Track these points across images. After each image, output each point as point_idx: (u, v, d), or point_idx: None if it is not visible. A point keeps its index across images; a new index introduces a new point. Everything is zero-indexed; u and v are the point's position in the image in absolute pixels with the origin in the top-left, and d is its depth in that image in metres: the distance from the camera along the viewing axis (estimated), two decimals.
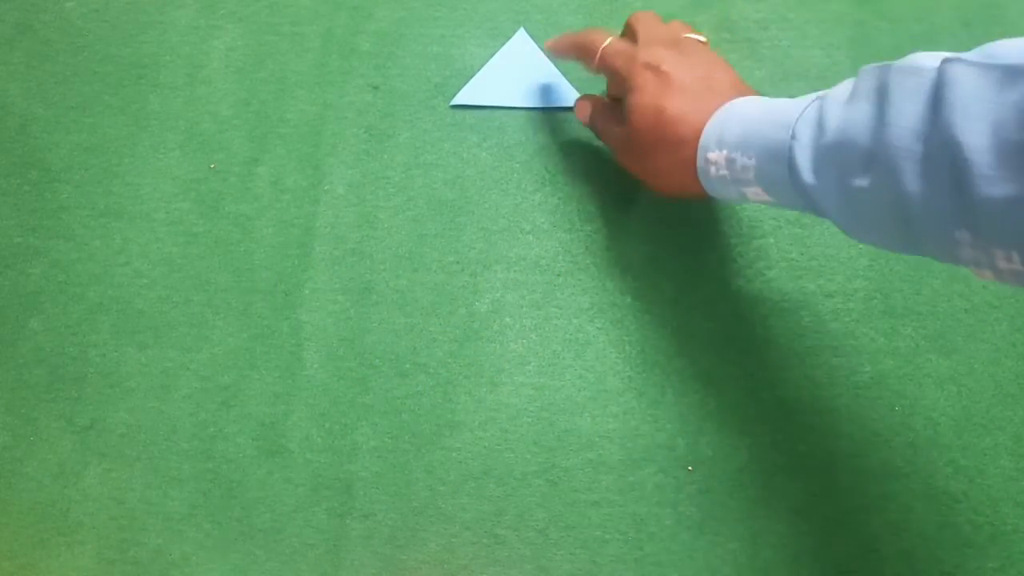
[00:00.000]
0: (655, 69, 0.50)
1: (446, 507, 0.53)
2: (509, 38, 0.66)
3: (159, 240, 0.60)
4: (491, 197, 0.61)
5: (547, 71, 0.65)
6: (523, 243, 0.60)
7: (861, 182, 0.38)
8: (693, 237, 0.60)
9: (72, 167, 0.63)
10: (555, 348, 0.56)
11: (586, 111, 0.58)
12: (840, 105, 0.41)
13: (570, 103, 0.64)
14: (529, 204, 0.61)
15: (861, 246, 0.59)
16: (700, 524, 0.52)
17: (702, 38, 0.54)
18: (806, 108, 0.42)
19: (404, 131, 0.63)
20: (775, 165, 0.43)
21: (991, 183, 0.31)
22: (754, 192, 0.46)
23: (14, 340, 0.57)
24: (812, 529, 0.52)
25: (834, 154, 0.39)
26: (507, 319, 0.57)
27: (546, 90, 0.64)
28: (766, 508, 0.52)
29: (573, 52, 0.57)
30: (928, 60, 0.35)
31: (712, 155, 0.47)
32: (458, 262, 0.59)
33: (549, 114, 0.64)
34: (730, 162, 0.46)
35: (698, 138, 0.48)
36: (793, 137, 0.41)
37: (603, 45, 0.53)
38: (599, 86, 0.66)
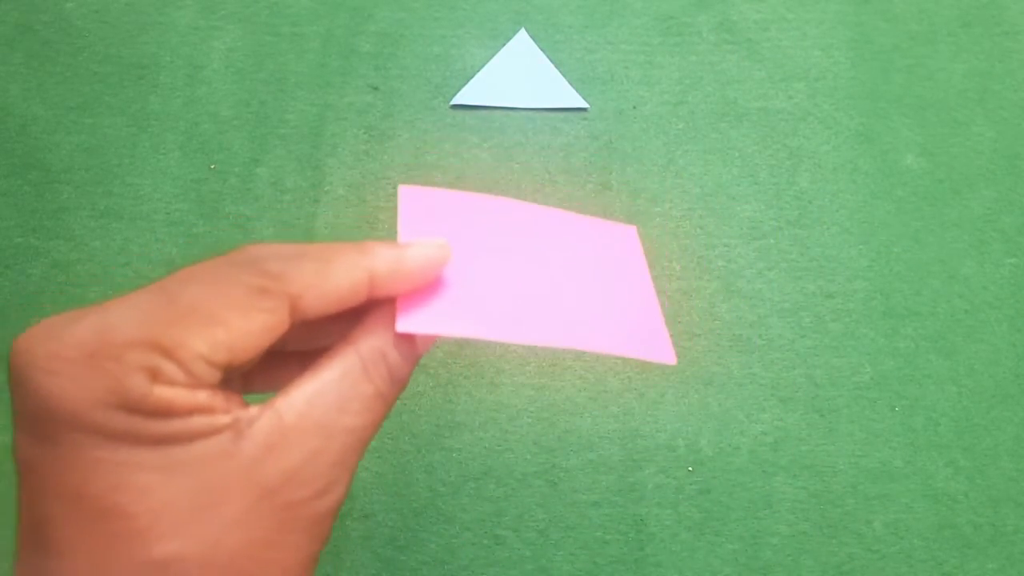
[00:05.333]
0: None
1: (446, 508, 0.53)
2: (509, 39, 0.66)
3: (159, 241, 0.60)
4: None
5: (547, 71, 0.65)
6: None
7: None
8: (694, 237, 0.60)
9: (72, 167, 0.63)
10: (555, 348, 0.56)
11: None
12: None
13: (570, 103, 0.64)
14: None
15: (862, 246, 0.59)
16: (700, 524, 0.52)
17: None
18: None
19: (404, 131, 0.63)
20: None
21: None
22: None
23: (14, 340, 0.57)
24: (812, 529, 0.51)
25: None
26: None
27: (546, 90, 0.64)
28: (766, 508, 0.52)
29: None
30: None
31: None
32: None
33: (549, 114, 0.64)
34: None
35: None
36: None
37: None
38: (600, 87, 0.66)
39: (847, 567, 0.51)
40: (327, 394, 0.20)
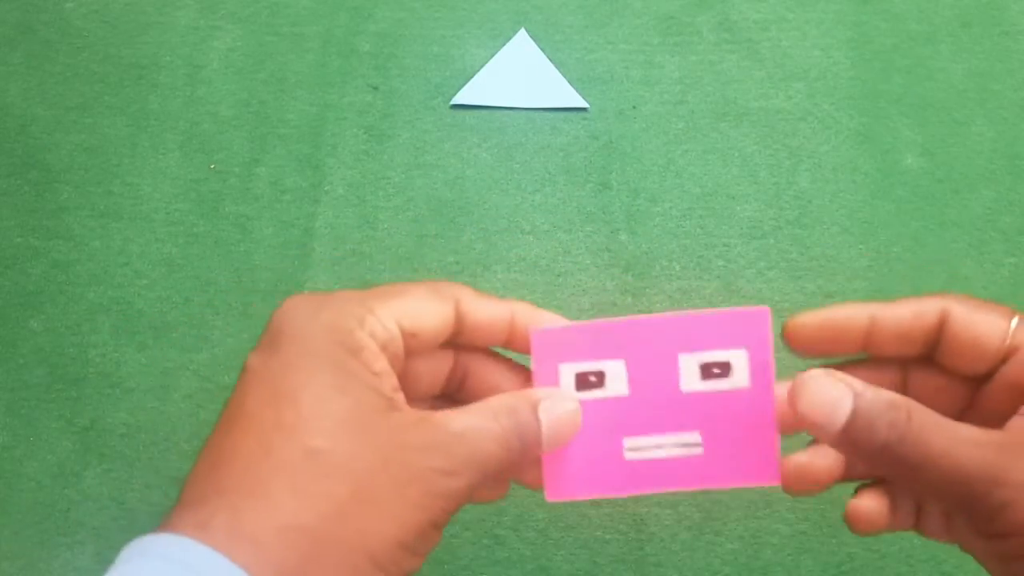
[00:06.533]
0: None
1: None
2: (509, 38, 0.66)
3: (159, 240, 0.60)
4: (491, 197, 0.61)
5: (547, 71, 0.65)
6: (523, 243, 0.60)
7: None
8: (694, 237, 0.60)
9: (72, 167, 0.63)
10: None
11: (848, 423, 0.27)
12: None
13: (570, 103, 0.64)
14: (529, 204, 0.61)
15: (862, 246, 0.59)
16: (700, 524, 0.52)
17: None
18: None
19: (404, 131, 0.63)
20: None
21: None
22: None
23: (14, 340, 0.57)
24: (812, 529, 0.51)
25: None
26: None
27: (546, 90, 0.64)
28: (766, 508, 0.52)
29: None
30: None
31: None
32: (458, 263, 0.59)
33: (549, 114, 0.64)
34: None
35: None
36: None
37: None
38: (600, 87, 0.65)
39: (847, 567, 0.51)
40: (468, 416, 0.26)
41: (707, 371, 0.30)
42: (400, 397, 0.26)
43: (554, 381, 0.30)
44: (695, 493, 0.52)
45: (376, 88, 0.65)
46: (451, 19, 0.67)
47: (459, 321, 0.28)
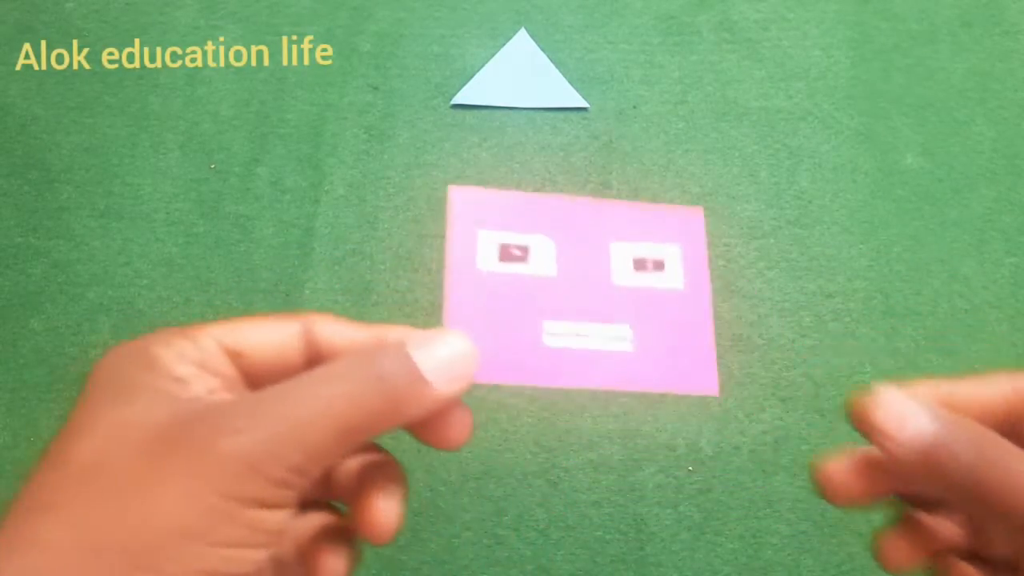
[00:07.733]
0: None
1: (446, 507, 0.53)
2: (509, 38, 0.66)
3: (159, 240, 0.60)
4: None
5: (547, 71, 0.65)
6: None
7: None
8: None
9: (72, 167, 0.63)
10: None
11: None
12: None
13: (570, 103, 0.64)
14: None
15: (862, 246, 0.59)
16: (700, 524, 0.52)
17: None
18: None
19: (404, 131, 0.63)
20: None
21: None
22: None
23: (14, 340, 0.57)
24: (812, 528, 0.51)
25: None
26: None
27: (546, 90, 0.64)
28: (766, 508, 0.52)
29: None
30: None
31: None
32: None
33: (549, 114, 0.64)
34: None
35: None
36: None
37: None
38: (600, 86, 0.65)
39: (847, 567, 0.51)
40: (294, 379, 0.24)
41: (640, 265, 0.28)
42: (221, 396, 0.24)
43: (471, 247, 0.27)
44: (694, 492, 0.52)
45: (376, 88, 0.65)
46: (451, 19, 0.67)
47: (313, 347, 0.25)
